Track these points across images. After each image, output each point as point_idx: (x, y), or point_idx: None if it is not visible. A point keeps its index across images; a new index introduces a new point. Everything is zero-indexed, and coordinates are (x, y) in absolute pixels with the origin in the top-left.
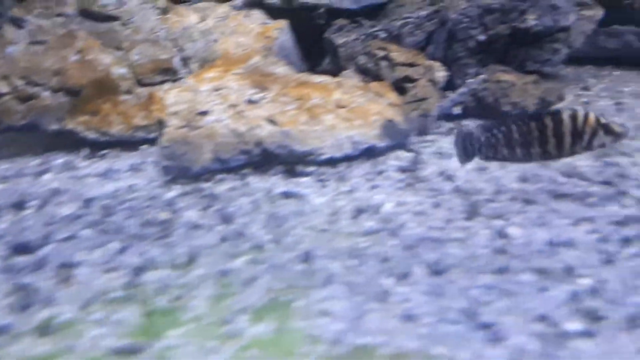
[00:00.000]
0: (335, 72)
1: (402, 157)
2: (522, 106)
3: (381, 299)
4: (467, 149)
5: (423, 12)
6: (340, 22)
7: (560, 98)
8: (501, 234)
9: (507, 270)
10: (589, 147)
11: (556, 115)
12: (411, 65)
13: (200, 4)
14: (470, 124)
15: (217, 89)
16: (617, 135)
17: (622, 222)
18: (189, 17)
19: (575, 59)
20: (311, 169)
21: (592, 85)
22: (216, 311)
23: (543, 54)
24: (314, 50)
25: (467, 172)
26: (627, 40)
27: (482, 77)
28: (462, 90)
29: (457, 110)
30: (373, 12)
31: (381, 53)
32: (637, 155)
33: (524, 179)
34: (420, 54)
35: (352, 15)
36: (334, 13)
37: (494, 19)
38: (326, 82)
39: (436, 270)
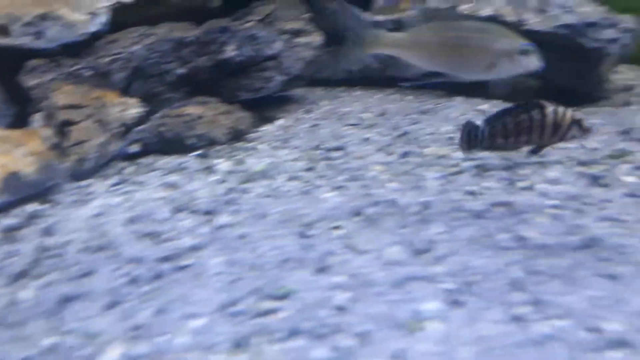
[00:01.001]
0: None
1: (26, 211)
2: (210, 137)
3: None
4: (470, 140)
5: (135, 48)
6: (35, 62)
7: (255, 126)
8: None
9: None
10: (563, 139)
11: (542, 109)
12: (76, 107)
13: None
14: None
15: None
16: (586, 130)
17: None
18: None
19: (327, 81)
20: None
21: (316, 108)
22: None
23: (254, 83)
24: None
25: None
26: (366, 62)
27: (161, 113)
28: (140, 127)
29: (134, 148)
30: (78, 50)
31: (49, 96)
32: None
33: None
34: (108, 92)
35: (51, 55)
36: (30, 54)
37: (190, 51)
38: None
39: None
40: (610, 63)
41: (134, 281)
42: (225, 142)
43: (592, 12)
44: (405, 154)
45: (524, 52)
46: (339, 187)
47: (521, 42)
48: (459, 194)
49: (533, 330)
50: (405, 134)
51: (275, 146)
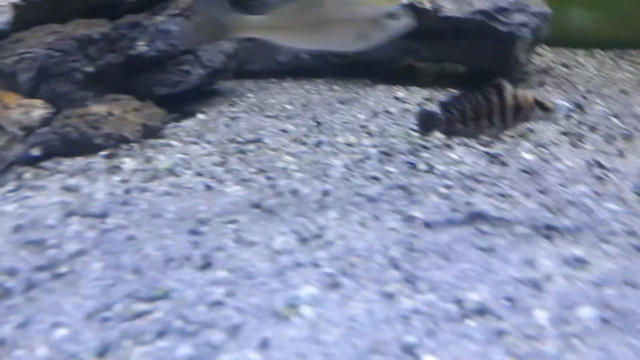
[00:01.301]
0: None
1: None
2: (119, 136)
3: None
4: (427, 125)
5: (41, 46)
6: None
7: (174, 121)
8: None
9: None
10: (526, 121)
11: (501, 92)
12: None
13: None
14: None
15: None
16: (549, 111)
17: None
18: None
19: (259, 73)
20: None
21: (241, 101)
22: None
23: (172, 78)
24: None
25: None
26: (294, 53)
27: (66, 113)
28: (42, 130)
29: (36, 152)
30: None
31: None
32: None
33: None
34: (10, 94)
35: None
36: None
37: (99, 49)
38: None
39: None
40: (524, 46)
41: (3, 294)
42: (137, 139)
43: None
44: (318, 144)
45: (392, 16)
46: (245, 180)
47: (387, 7)
48: (362, 179)
49: (401, 306)
50: (321, 124)
51: (190, 141)
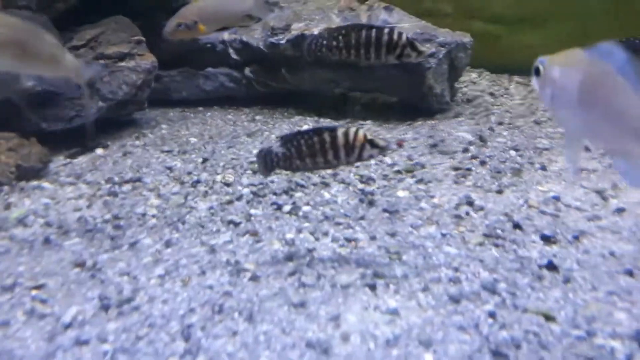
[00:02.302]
0: None
1: None
2: None
3: None
4: (267, 164)
5: None
6: None
7: (45, 161)
8: None
9: None
10: (360, 158)
11: (332, 131)
12: None
13: None
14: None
15: None
16: (381, 148)
17: None
18: None
19: (185, 102)
20: None
21: (151, 133)
22: None
23: (65, 112)
24: None
25: None
26: (221, 81)
27: None
28: None
29: None
30: None
31: None
32: None
33: None
34: None
35: None
36: None
37: None
38: None
39: None
40: (437, 76)
41: None
42: (8, 182)
43: (411, 27)
44: (195, 183)
45: None
46: (90, 231)
47: None
48: (218, 225)
49: None
50: (207, 160)
51: (67, 182)
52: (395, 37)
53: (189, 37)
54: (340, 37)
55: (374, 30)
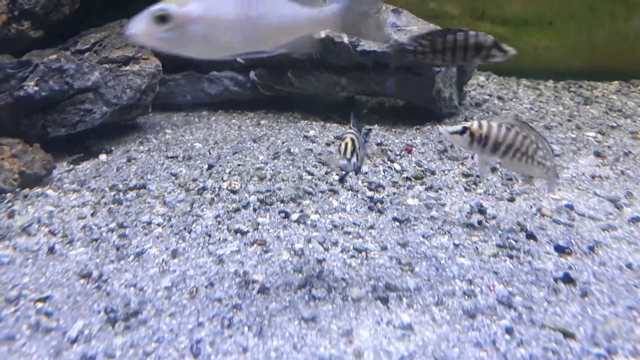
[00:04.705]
0: None
1: None
2: None
3: None
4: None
5: None
6: None
7: (49, 168)
8: None
9: None
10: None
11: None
12: None
13: None
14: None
15: None
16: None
17: None
18: None
19: (189, 106)
20: None
21: (156, 138)
22: None
23: (70, 117)
24: None
25: None
26: (225, 85)
27: None
28: None
29: None
30: None
31: None
32: None
33: None
34: None
35: None
36: None
37: None
38: None
39: None
40: (446, 80)
41: None
42: (11, 189)
43: (419, 30)
44: (201, 190)
45: None
46: (95, 240)
47: None
48: (225, 234)
49: None
50: (213, 166)
51: (70, 189)
52: (481, 39)
53: None
54: (430, 42)
55: (461, 35)
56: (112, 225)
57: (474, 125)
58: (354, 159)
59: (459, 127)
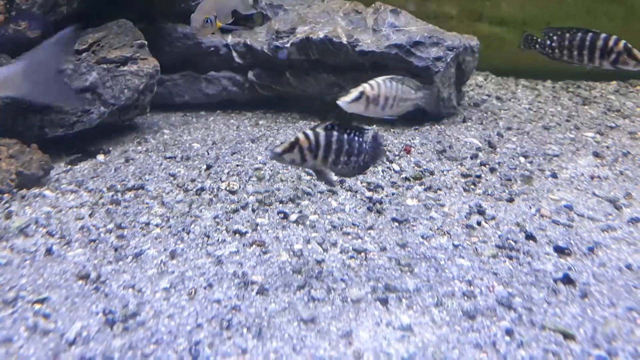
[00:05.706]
0: None
1: None
2: None
3: None
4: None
5: None
6: None
7: (46, 168)
8: None
9: None
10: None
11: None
12: None
13: None
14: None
15: None
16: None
17: None
18: None
19: (187, 106)
20: None
21: (153, 138)
22: None
23: (68, 117)
24: None
25: None
26: (224, 85)
27: None
28: None
29: None
30: None
31: None
32: None
33: None
34: None
35: None
36: None
37: None
38: None
39: None
40: (445, 80)
41: None
42: (9, 190)
43: (418, 30)
44: (200, 191)
45: None
46: (93, 241)
47: None
48: (223, 234)
49: None
50: (211, 166)
51: (68, 190)
52: (611, 43)
53: (209, 33)
54: (555, 38)
55: (590, 35)
56: (110, 226)
57: (367, 88)
58: (286, 155)
59: (356, 94)
